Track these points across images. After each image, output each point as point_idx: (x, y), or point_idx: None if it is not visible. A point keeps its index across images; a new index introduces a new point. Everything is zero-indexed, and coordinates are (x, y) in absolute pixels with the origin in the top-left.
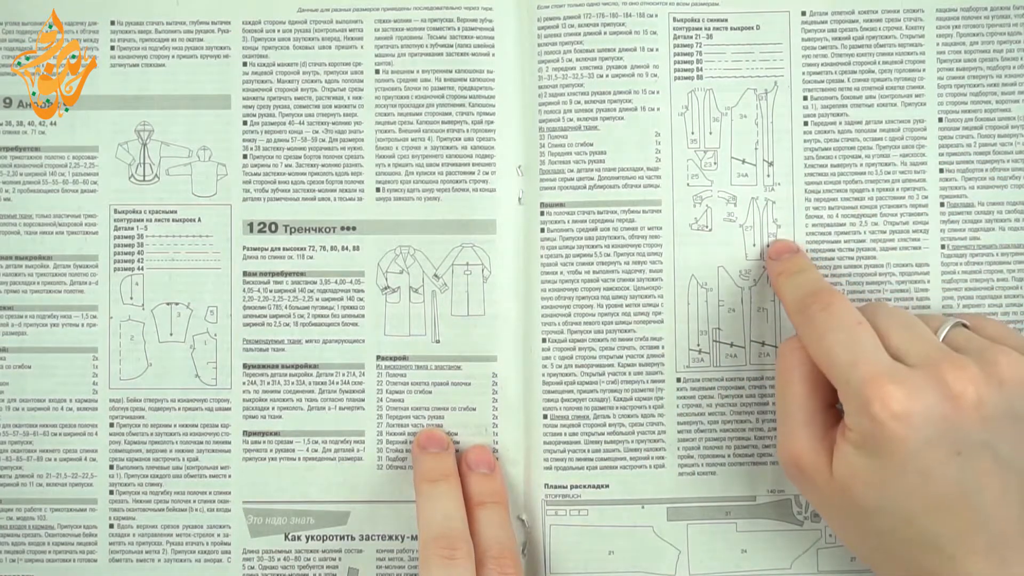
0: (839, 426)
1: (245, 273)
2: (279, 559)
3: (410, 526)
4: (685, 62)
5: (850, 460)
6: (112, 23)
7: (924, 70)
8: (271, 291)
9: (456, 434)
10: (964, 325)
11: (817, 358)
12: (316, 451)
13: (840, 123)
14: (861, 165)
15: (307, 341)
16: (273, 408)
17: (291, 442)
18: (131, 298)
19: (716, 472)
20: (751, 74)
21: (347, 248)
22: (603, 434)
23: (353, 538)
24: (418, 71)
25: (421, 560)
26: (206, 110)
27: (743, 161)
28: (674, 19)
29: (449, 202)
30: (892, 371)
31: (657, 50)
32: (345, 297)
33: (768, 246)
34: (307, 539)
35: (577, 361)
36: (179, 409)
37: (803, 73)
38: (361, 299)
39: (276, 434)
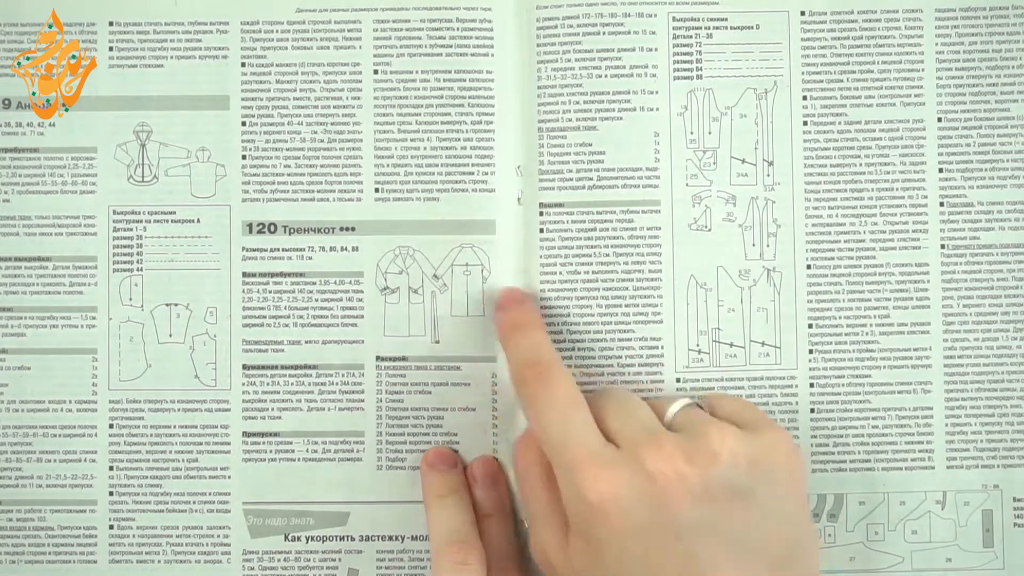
0: None
1: (244, 274)
2: (279, 560)
3: (410, 527)
4: (684, 62)
5: (577, 547)
6: (111, 24)
7: (923, 70)
8: (270, 292)
9: (455, 434)
10: (699, 405)
11: (536, 435)
12: (316, 452)
13: (840, 123)
14: (861, 165)
15: (306, 342)
16: (273, 409)
17: (291, 443)
18: (130, 299)
19: None
20: (751, 74)
21: (346, 249)
22: None
23: (353, 539)
24: (417, 71)
25: (433, 567)
26: (205, 111)
27: (743, 161)
28: (673, 19)
29: (448, 202)
30: (599, 454)
31: (656, 50)
32: (344, 298)
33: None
34: (307, 540)
35: (577, 361)
36: (179, 410)
37: (803, 73)
38: (360, 300)
39: (276, 435)
